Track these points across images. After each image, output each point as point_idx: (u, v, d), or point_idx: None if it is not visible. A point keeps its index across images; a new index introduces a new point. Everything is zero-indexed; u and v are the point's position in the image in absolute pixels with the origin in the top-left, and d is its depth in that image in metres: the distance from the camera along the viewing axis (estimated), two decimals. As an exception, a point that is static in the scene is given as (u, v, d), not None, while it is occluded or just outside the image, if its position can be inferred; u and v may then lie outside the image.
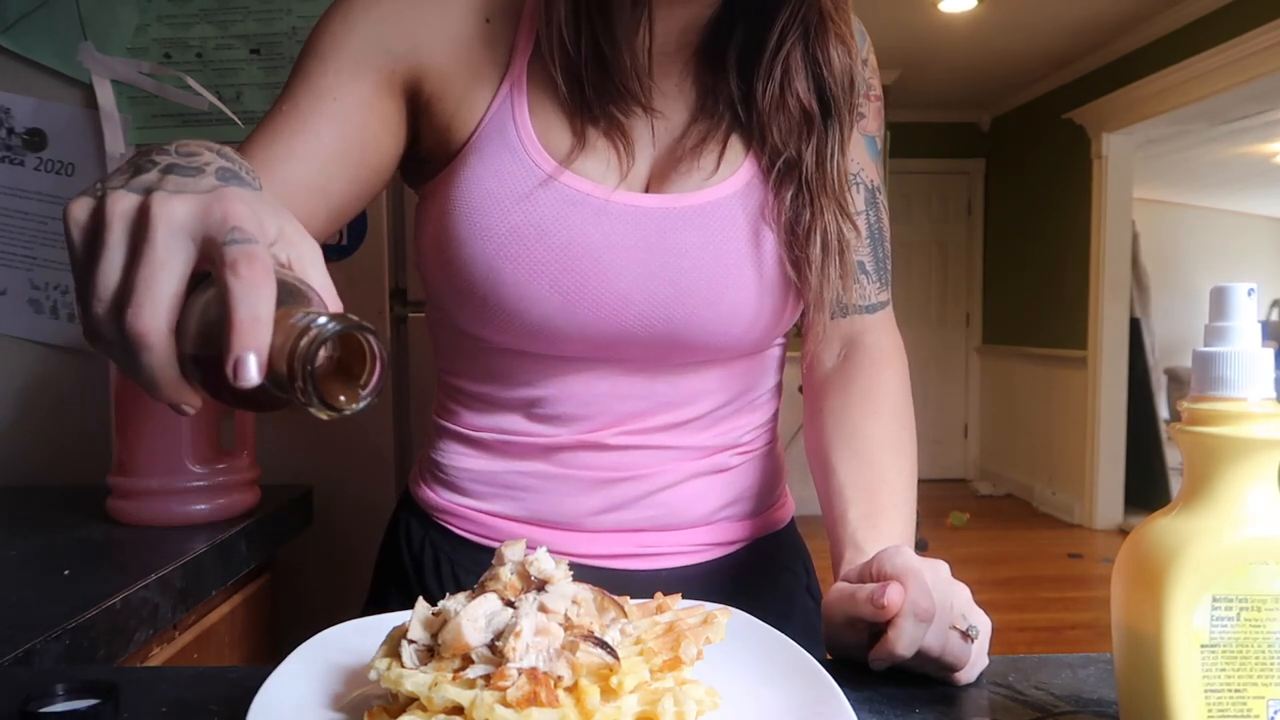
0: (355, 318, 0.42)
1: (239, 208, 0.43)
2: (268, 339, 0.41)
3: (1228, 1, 3.92)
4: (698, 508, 0.79)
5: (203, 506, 1.02)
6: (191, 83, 1.27)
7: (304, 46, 0.72)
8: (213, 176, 0.47)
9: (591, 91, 0.71)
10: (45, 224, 1.28)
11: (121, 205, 0.43)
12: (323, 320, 0.42)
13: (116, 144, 1.27)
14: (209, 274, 0.43)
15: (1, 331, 1.29)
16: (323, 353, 0.41)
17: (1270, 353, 0.43)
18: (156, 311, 0.41)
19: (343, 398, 0.43)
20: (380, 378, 0.44)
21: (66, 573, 0.83)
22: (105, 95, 1.27)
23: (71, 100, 1.28)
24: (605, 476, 0.76)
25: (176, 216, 0.42)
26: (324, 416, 0.43)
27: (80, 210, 0.45)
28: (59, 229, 1.28)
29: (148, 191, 0.44)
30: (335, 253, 1.34)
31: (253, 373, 0.40)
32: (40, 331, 1.29)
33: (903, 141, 5.57)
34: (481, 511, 0.79)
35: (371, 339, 0.43)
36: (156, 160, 0.48)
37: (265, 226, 0.44)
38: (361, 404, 0.44)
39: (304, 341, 0.41)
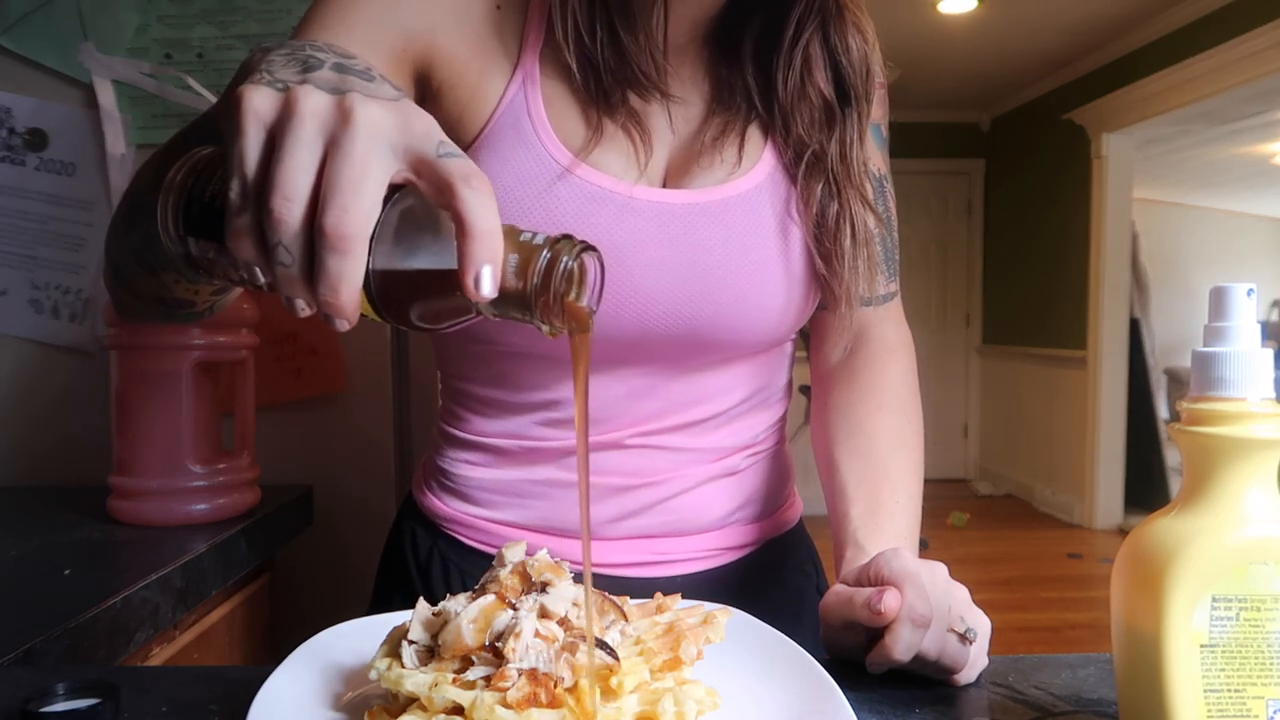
0: (568, 235, 0.43)
1: (435, 121, 0.42)
2: (501, 252, 0.40)
3: (1228, 2, 3.92)
4: (710, 513, 0.78)
5: (203, 506, 1.02)
6: (192, 83, 1.27)
7: (305, 16, 0.66)
8: (388, 85, 0.45)
9: (609, 78, 0.69)
10: (45, 224, 1.28)
11: (313, 102, 0.40)
12: (555, 238, 0.42)
13: (117, 144, 1.27)
14: (395, 189, 0.42)
15: (1, 331, 1.29)
16: (563, 267, 0.41)
17: (1270, 353, 0.43)
18: (361, 216, 0.39)
19: (574, 313, 0.43)
20: (602, 287, 0.45)
21: (66, 573, 0.83)
22: (106, 95, 1.27)
23: (71, 100, 1.28)
24: (619, 483, 0.75)
25: (378, 123, 0.40)
26: (549, 330, 0.43)
27: (261, 100, 0.41)
28: (59, 229, 1.28)
29: (336, 91, 0.41)
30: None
31: (488, 285, 0.40)
32: (40, 331, 1.29)
33: (903, 141, 5.53)
34: (492, 521, 0.77)
35: (596, 253, 0.44)
36: (319, 56, 0.46)
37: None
38: (595, 310, 0.45)
39: (548, 257, 0.41)
